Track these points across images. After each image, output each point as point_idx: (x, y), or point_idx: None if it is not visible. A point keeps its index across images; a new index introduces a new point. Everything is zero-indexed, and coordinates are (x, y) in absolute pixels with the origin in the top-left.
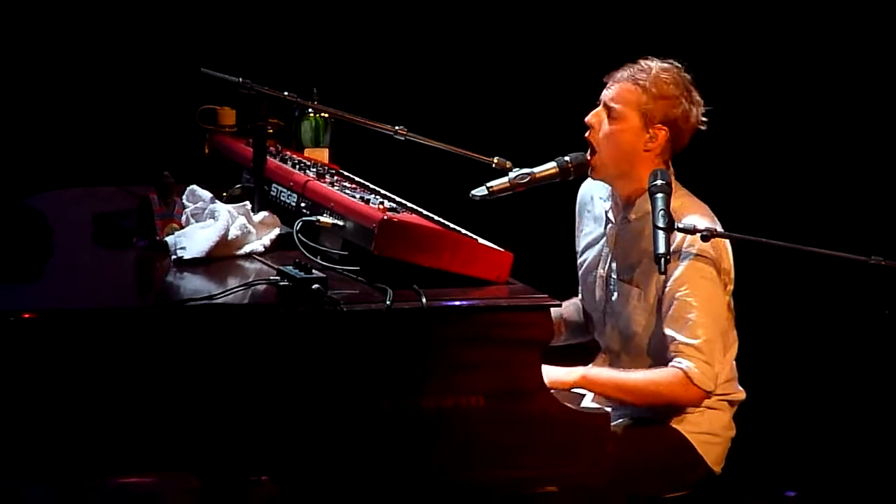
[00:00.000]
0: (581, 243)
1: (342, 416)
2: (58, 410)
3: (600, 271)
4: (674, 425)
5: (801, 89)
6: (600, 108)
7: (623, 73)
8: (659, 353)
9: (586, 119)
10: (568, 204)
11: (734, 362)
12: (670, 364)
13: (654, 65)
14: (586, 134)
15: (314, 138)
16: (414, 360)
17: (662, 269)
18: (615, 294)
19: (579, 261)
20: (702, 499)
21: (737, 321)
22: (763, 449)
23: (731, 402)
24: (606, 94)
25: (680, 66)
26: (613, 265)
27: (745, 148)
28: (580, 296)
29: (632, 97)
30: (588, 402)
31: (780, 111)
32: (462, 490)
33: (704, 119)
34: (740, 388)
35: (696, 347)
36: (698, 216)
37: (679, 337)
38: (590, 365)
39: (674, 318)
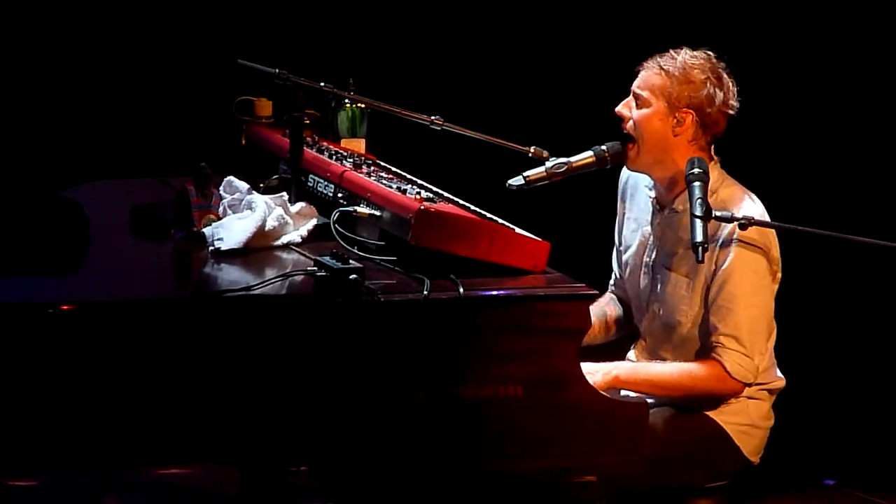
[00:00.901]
0: (625, 229)
1: (380, 407)
2: (97, 401)
3: (645, 259)
4: (711, 415)
5: (841, 79)
6: (630, 97)
7: (650, 62)
8: (701, 344)
9: (616, 110)
10: (604, 192)
11: (773, 350)
12: (710, 355)
13: (683, 52)
14: (622, 124)
15: (351, 129)
16: (452, 350)
17: (700, 258)
18: (660, 283)
19: (622, 247)
20: (740, 488)
21: (776, 309)
22: (802, 437)
23: (770, 391)
24: (635, 83)
25: (711, 53)
26: (660, 254)
27: (787, 136)
28: (614, 279)
29: (656, 82)
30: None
31: (821, 99)
32: (500, 480)
33: (735, 104)
34: (780, 375)
35: (737, 339)
36: (749, 207)
37: (721, 327)
38: (630, 351)
39: (718, 307)
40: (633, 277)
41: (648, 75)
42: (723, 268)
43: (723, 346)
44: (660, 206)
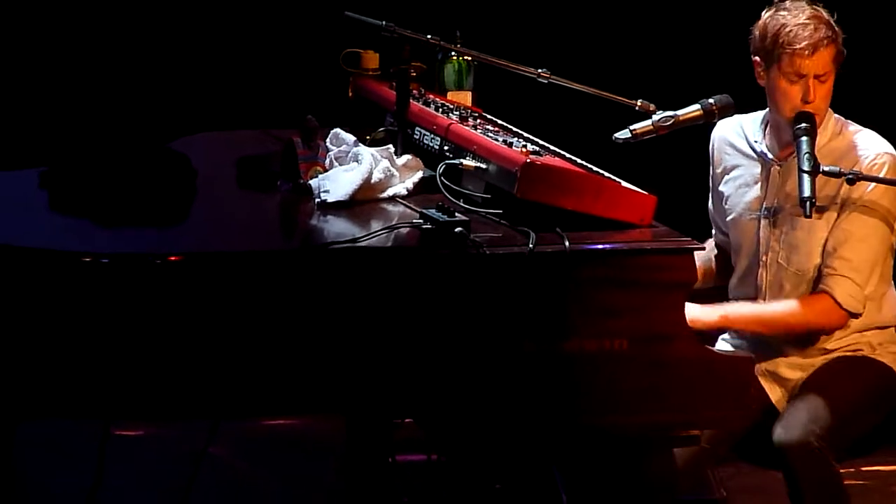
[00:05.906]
0: (728, 184)
1: (485, 360)
2: (205, 352)
3: (765, 206)
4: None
5: None
6: (812, 82)
7: (815, 42)
8: None
9: (815, 105)
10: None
11: None
12: (820, 286)
13: (823, 13)
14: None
15: (457, 81)
16: (557, 304)
17: (808, 213)
18: (790, 228)
19: (727, 205)
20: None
21: None
22: None
23: None
24: (812, 69)
25: None
26: (783, 199)
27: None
28: (715, 238)
29: (831, 56)
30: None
31: None
32: (604, 433)
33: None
34: None
35: (851, 265)
36: (882, 144)
37: (839, 250)
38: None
39: (840, 231)
40: (747, 232)
41: (823, 56)
42: (853, 198)
43: (836, 272)
44: (776, 152)
